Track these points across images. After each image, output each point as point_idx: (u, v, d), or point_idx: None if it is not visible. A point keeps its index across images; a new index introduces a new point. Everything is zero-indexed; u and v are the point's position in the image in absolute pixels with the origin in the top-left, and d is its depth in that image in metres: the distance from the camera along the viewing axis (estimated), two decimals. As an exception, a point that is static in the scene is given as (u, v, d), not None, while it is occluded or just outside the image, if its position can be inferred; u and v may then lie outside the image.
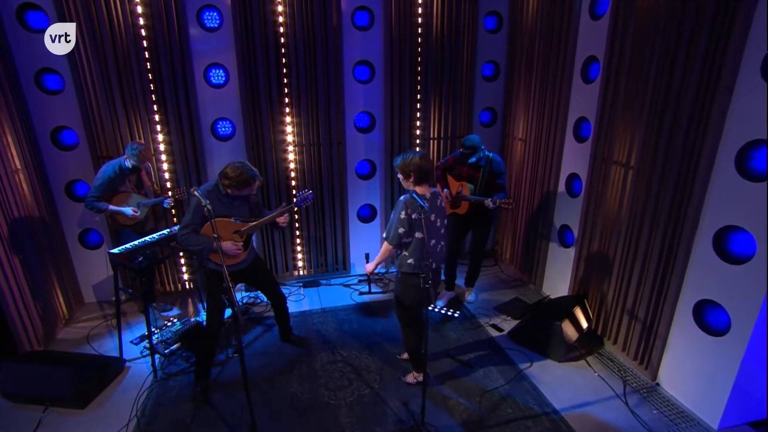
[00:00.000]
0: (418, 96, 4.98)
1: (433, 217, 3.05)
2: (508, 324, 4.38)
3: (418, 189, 3.09)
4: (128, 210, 4.06)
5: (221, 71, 4.48)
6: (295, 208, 3.38)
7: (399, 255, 3.15)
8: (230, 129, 4.68)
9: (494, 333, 4.28)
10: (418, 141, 5.14)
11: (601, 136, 3.87)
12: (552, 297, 4.57)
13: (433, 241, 3.08)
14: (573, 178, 4.37)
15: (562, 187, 4.51)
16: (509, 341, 4.13)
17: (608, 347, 3.99)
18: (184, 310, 4.71)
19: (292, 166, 4.88)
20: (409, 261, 3.08)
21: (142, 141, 4.30)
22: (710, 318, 3.07)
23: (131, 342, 4.11)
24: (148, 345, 3.82)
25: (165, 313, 4.61)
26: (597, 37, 3.84)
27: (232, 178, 3.05)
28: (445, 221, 3.19)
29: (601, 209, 3.96)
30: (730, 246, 2.89)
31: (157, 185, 4.44)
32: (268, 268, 3.86)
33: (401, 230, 3.00)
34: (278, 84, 4.57)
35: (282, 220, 3.30)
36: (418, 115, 5.06)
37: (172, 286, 5.01)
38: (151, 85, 4.31)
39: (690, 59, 3.00)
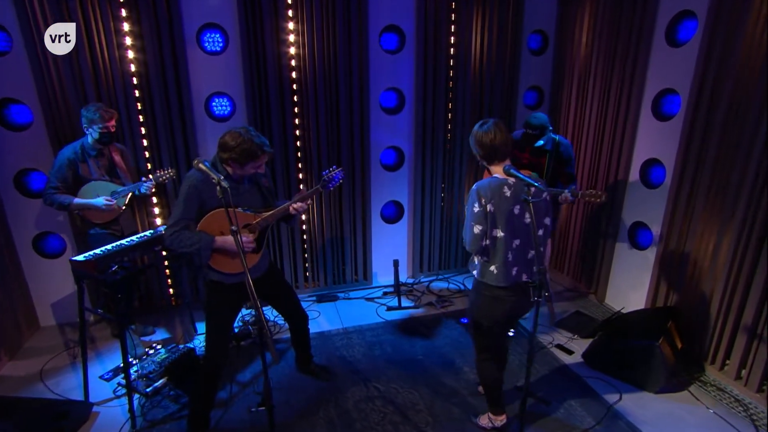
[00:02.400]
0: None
1: (517, 209, 2.28)
2: (578, 344, 3.65)
3: (494, 170, 2.35)
4: (100, 201, 3.21)
5: (218, 34, 3.68)
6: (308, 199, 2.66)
7: (481, 260, 2.38)
8: (229, 108, 3.87)
9: (563, 356, 3.54)
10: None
11: (700, 109, 3.18)
12: (625, 310, 3.85)
13: (517, 242, 2.31)
14: (651, 164, 3.70)
15: (634, 176, 3.83)
16: (584, 367, 3.42)
17: (711, 373, 3.28)
18: (170, 333, 3.84)
19: (299, 155, 4.08)
20: (492, 269, 2.32)
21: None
22: None
23: (101, 378, 3.25)
24: (124, 381, 2.94)
25: (146, 338, 3.74)
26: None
27: (232, 149, 2.32)
28: (547, 219, 2.39)
29: (697, 199, 3.26)
30: None
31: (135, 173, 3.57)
32: (284, 276, 3.08)
33: (477, 229, 2.24)
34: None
35: (297, 205, 2.56)
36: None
37: (155, 301, 4.13)
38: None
39: None
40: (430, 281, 4.76)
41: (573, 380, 3.27)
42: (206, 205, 2.38)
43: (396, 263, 4.34)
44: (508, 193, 2.24)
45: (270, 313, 4.05)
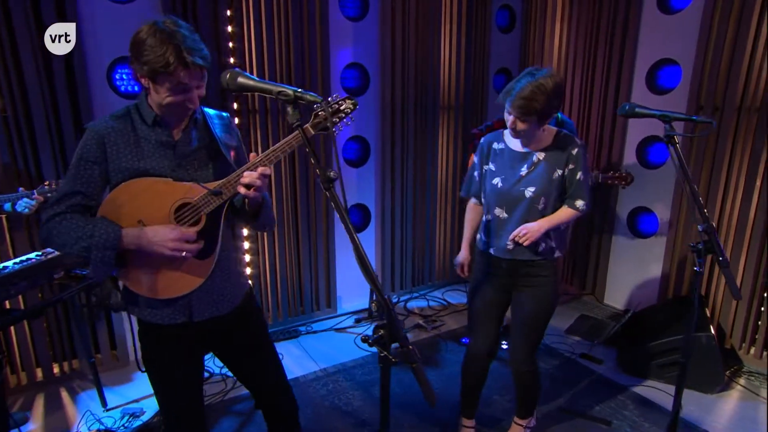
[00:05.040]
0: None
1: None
2: (604, 352, 3.30)
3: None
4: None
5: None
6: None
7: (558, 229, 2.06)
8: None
9: (593, 366, 3.16)
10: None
11: (708, 78, 3.11)
12: (633, 310, 3.61)
13: None
14: (649, 143, 3.57)
15: (630, 158, 3.68)
16: (622, 374, 3.09)
17: (750, 363, 3.12)
18: (58, 420, 2.69)
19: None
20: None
21: None
22: None
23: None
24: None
25: None
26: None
27: (145, 51, 1.32)
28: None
29: (714, 176, 3.16)
30: None
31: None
32: (267, 326, 1.86)
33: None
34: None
35: (247, 174, 1.40)
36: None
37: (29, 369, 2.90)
38: None
39: None
40: (406, 300, 4.13)
41: (618, 391, 2.91)
42: (116, 172, 1.44)
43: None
44: None
45: (213, 363, 3.08)
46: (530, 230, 1.98)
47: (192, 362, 1.63)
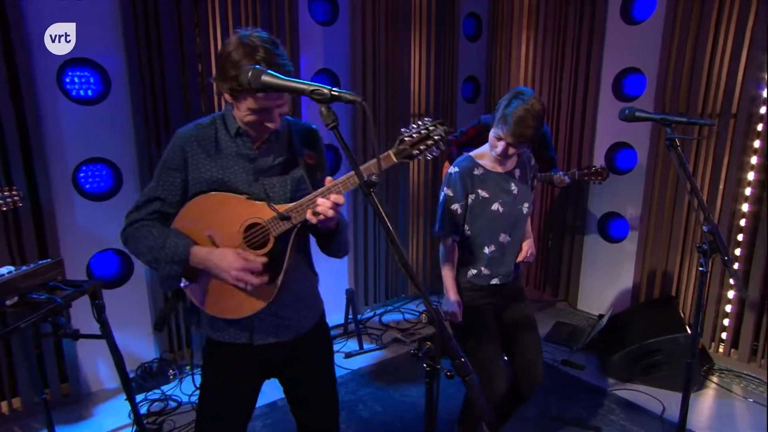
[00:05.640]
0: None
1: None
2: (584, 358, 3.36)
3: None
4: None
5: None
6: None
7: None
8: (96, 86, 2.76)
9: (576, 372, 3.20)
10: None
11: (671, 86, 3.27)
12: (609, 314, 3.71)
13: None
14: (617, 149, 3.71)
15: (599, 163, 3.79)
16: (606, 379, 3.15)
17: (720, 361, 3.27)
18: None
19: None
20: None
21: None
22: None
23: None
24: None
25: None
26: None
27: (228, 68, 1.28)
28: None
29: (680, 179, 3.31)
30: None
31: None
32: (333, 366, 1.73)
33: None
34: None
35: (320, 201, 1.31)
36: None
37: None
38: None
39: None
40: (381, 314, 4.05)
41: (603, 396, 2.97)
42: (195, 181, 1.43)
43: (350, 294, 3.54)
44: None
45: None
46: (532, 247, 2.06)
47: (248, 385, 1.59)
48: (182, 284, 1.45)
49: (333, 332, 3.72)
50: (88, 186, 2.84)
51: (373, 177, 1.01)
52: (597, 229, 3.90)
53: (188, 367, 3.15)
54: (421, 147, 1.28)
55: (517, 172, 2.08)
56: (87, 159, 2.79)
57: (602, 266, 3.92)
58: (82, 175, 2.81)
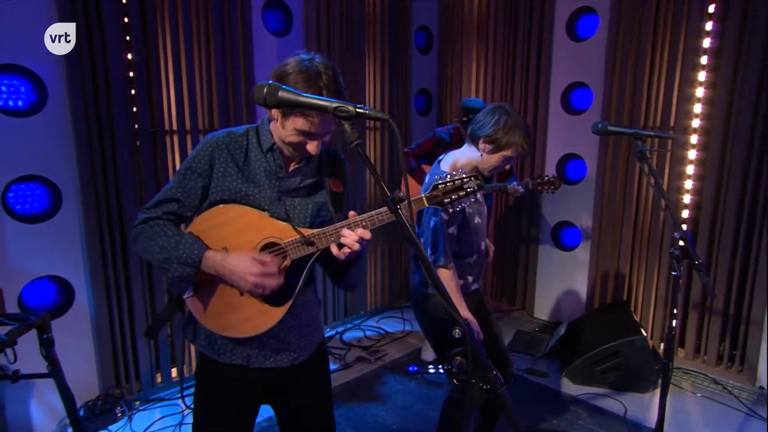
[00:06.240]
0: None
1: None
2: (547, 365, 3.49)
3: None
4: None
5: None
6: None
7: None
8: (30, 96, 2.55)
9: (540, 380, 3.31)
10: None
11: (616, 101, 3.51)
12: (567, 321, 3.88)
13: None
14: (569, 159, 3.91)
15: (551, 172, 3.99)
16: (568, 384, 3.28)
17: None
18: None
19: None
20: None
21: None
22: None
23: None
24: None
25: None
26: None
27: (287, 84, 1.25)
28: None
29: (628, 188, 3.55)
30: None
31: None
32: (331, 395, 1.71)
33: None
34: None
35: (347, 233, 1.31)
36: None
37: None
38: None
39: None
40: (341, 332, 3.99)
41: (569, 402, 3.09)
42: (217, 190, 1.41)
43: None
44: None
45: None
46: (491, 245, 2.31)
47: (242, 410, 1.54)
48: (185, 294, 1.40)
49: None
50: (19, 207, 2.59)
51: (400, 194, 0.99)
52: (551, 238, 4.08)
53: (137, 402, 2.94)
54: (453, 196, 1.31)
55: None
56: (18, 177, 2.55)
57: (557, 274, 4.09)
58: (11, 195, 2.56)
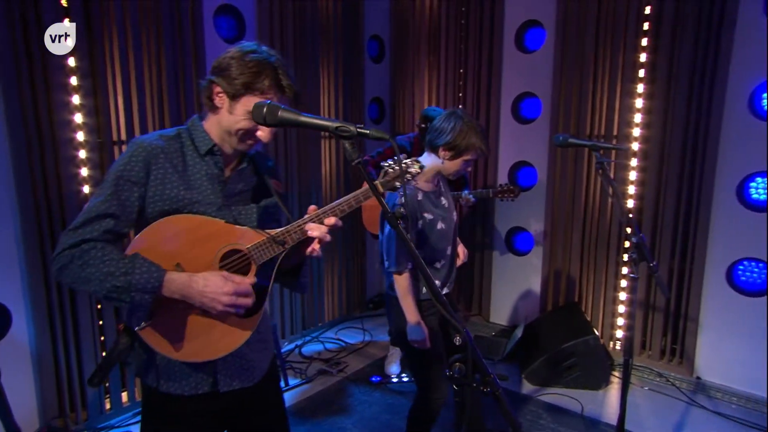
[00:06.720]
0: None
1: None
2: (506, 368, 3.62)
3: None
4: None
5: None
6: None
7: None
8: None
9: (501, 383, 3.38)
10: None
11: (563, 111, 3.72)
12: (523, 323, 4.03)
13: None
14: (520, 167, 4.09)
15: (503, 179, 4.15)
16: (527, 386, 3.40)
17: (616, 356, 3.72)
18: None
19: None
20: None
21: None
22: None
23: None
24: None
25: None
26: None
27: (237, 67, 1.28)
28: None
29: (576, 194, 3.75)
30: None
31: None
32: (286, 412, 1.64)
33: None
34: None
35: (321, 231, 1.30)
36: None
37: None
38: None
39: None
40: (300, 346, 3.94)
41: (529, 403, 3.21)
42: (156, 199, 1.29)
43: (272, 328, 3.39)
44: None
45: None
46: (465, 249, 2.35)
47: None
48: (137, 326, 1.24)
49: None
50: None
51: (402, 210, 1.02)
52: (504, 244, 4.23)
53: (84, 432, 2.76)
54: (402, 180, 1.31)
55: (441, 185, 2.25)
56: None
57: (511, 279, 4.25)
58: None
